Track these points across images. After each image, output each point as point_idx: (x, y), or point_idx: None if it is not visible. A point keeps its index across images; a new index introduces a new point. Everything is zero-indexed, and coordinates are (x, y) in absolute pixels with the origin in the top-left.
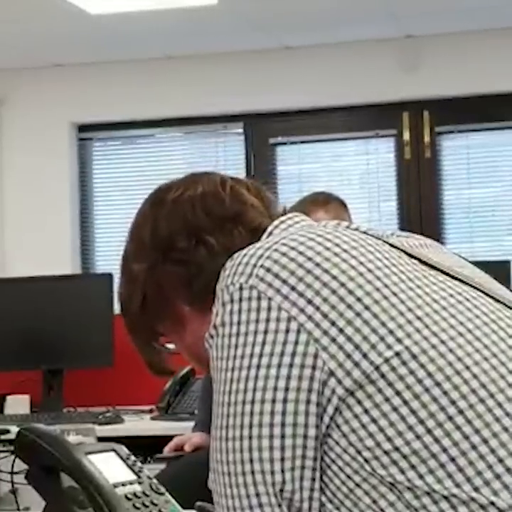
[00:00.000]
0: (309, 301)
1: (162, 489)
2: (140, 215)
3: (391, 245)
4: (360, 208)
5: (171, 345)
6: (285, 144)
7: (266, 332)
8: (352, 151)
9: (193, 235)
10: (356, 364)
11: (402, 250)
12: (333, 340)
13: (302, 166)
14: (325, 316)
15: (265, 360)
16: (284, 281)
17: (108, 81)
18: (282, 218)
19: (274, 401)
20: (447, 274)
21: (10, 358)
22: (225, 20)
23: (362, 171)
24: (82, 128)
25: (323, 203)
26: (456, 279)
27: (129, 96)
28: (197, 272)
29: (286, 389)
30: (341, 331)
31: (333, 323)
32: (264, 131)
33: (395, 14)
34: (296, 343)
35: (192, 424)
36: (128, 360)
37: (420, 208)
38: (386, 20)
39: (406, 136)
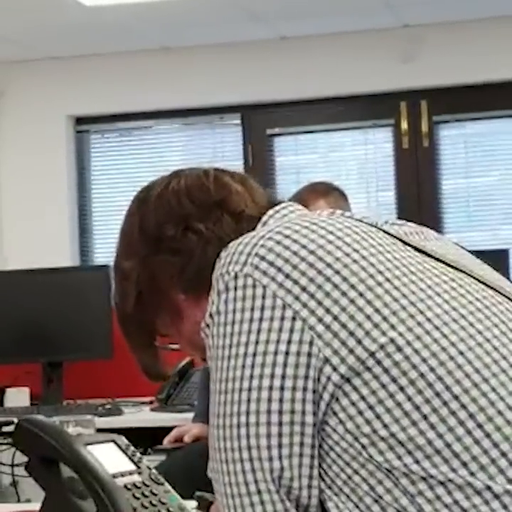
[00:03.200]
0: (304, 289)
1: (162, 479)
2: (127, 215)
3: (385, 232)
4: (358, 198)
5: (174, 346)
6: (282, 134)
7: (261, 320)
8: (350, 141)
9: (180, 223)
10: (351, 351)
11: (396, 237)
12: (328, 327)
13: (300, 157)
14: (319, 303)
15: (261, 347)
16: (279, 269)
17: (105, 73)
18: (277, 208)
19: (271, 388)
20: (441, 262)
21: (9, 350)
22: (221, 11)
23: (360, 161)
24: (80, 120)
25: (323, 193)
26: (450, 266)
27: (126, 88)
28: (188, 259)
29: (283, 376)
30: (336, 318)
31: (327, 311)
32: (261, 122)
33: (392, 4)
34: (292, 330)
35: (191, 415)
36: (127, 352)
37: (418, 197)
38: (383, 9)
39: (404, 125)
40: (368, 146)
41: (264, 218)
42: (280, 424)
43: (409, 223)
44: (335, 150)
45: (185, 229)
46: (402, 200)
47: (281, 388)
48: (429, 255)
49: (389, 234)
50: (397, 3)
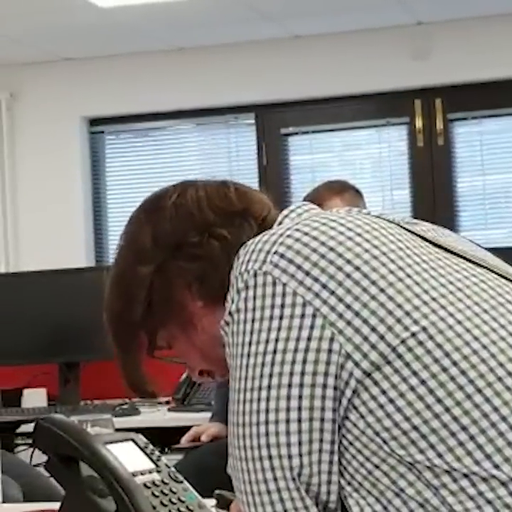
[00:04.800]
0: (324, 286)
1: (180, 477)
2: (132, 223)
3: (404, 229)
4: (373, 196)
5: (176, 359)
6: (297, 133)
7: (281, 318)
8: (364, 140)
9: (203, 230)
10: (373, 346)
11: (414, 233)
12: (349, 323)
13: (314, 156)
14: (340, 300)
15: (281, 345)
16: (299, 267)
17: (118, 74)
18: (292, 207)
19: (290, 385)
20: (461, 257)
21: (26, 351)
22: (235, 10)
23: (374, 159)
24: (94, 121)
25: (338, 191)
26: (469, 261)
27: (140, 89)
28: (210, 265)
29: (302, 373)
30: (357, 314)
31: (348, 307)
32: (275, 121)
33: (406, 1)
34: (312, 327)
35: (209, 414)
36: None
37: (434, 195)
38: (397, 7)
39: (418, 123)
40: (382, 145)
41: (279, 218)
42: (299, 420)
43: (424, 222)
44: (349, 149)
45: (209, 236)
46: (417, 198)
47: (301, 385)
48: (448, 251)
49: (408, 230)
50: (410, 0)
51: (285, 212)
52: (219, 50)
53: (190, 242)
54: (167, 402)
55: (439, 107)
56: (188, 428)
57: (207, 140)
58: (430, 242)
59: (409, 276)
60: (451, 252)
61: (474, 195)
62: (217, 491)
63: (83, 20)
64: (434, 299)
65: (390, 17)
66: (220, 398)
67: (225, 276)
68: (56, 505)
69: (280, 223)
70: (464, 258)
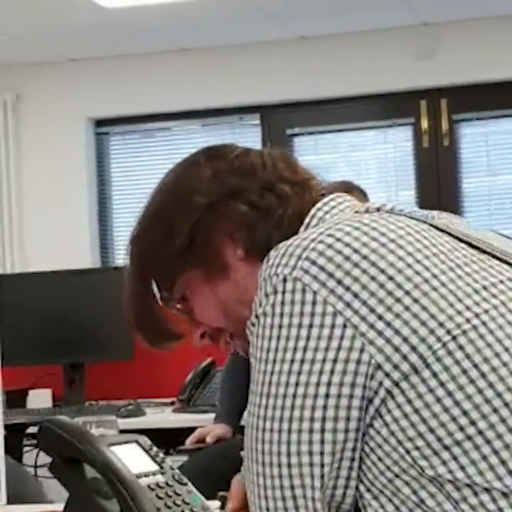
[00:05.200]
0: (356, 295)
1: (185, 479)
2: (191, 162)
3: (437, 228)
4: (378, 197)
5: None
6: (302, 134)
7: (311, 326)
8: (369, 141)
9: (265, 185)
10: (404, 357)
11: (449, 234)
12: (380, 333)
13: (319, 157)
14: (372, 310)
15: (309, 354)
16: (330, 275)
17: (124, 75)
18: (325, 200)
19: (316, 396)
20: (497, 258)
21: (31, 352)
22: (240, 11)
23: (380, 160)
24: (99, 122)
25: (345, 191)
26: (506, 263)
27: (145, 89)
28: (265, 218)
29: (329, 384)
30: (389, 324)
31: (380, 317)
32: (280, 122)
33: (411, 2)
34: (342, 337)
35: (213, 416)
36: (149, 353)
37: (439, 196)
38: (402, 8)
39: (424, 124)
40: (387, 146)
41: (313, 211)
42: (323, 431)
43: (450, 216)
44: (355, 149)
45: (269, 190)
46: (422, 199)
47: (327, 396)
48: (485, 252)
49: (439, 229)
50: (416, 1)
51: (319, 205)
52: (224, 51)
53: (251, 189)
54: (172, 403)
55: (444, 108)
56: (192, 429)
57: (212, 141)
58: (465, 242)
59: (444, 284)
60: (488, 253)
61: (480, 196)
62: (221, 493)
63: (88, 21)
64: (468, 308)
65: (395, 18)
66: (225, 399)
67: (273, 234)
68: (60, 507)
69: (313, 217)
70: (501, 260)
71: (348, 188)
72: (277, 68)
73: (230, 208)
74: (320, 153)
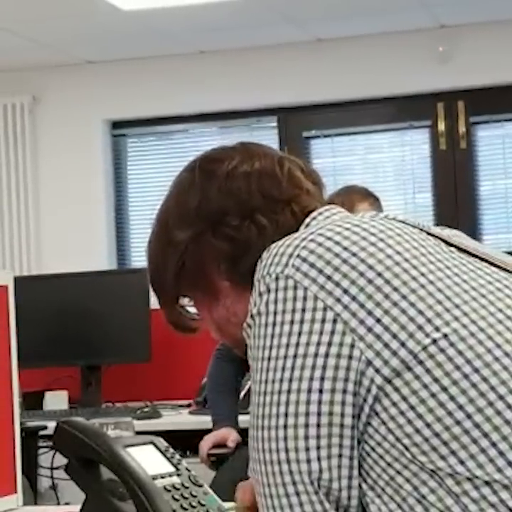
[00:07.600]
0: (345, 291)
1: (201, 481)
2: (186, 180)
3: (428, 233)
4: (395, 199)
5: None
6: (319, 137)
7: (302, 322)
8: (386, 143)
9: (246, 214)
10: (394, 353)
11: (439, 238)
12: (370, 329)
13: (336, 159)
14: (361, 305)
15: (301, 349)
16: (320, 271)
17: (141, 77)
18: (320, 209)
19: (310, 391)
20: (486, 261)
21: (48, 354)
22: (257, 13)
23: (397, 162)
24: (116, 124)
25: (358, 199)
26: (494, 265)
27: (162, 92)
28: (244, 251)
29: (322, 379)
30: (378, 320)
31: (369, 313)
32: (297, 124)
33: (428, 4)
34: (333, 332)
35: None
36: (165, 356)
37: (456, 199)
38: (419, 10)
39: (441, 126)
40: (404, 148)
41: (307, 220)
42: (318, 425)
43: (448, 229)
44: (371, 152)
45: (250, 222)
46: (439, 201)
47: (320, 391)
48: (473, 255)
49: (432, 235)
50: (433, 3)
51: (314, 214)
52: (241, 53)
53: (230, 223)
54: (188, 406)
55: (461, 110)
56: (208, 431)
57: (229, 143)
58: (455, 246)
59: (431, 282)
60: (476, 256)
61: (497, 198)
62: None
63: (105, 24)
64: (457, 306)
65: (413, 20)
66: (225, 402)
67: (256, 264)
68: (76, 509)
69: (307, 225)
70: (488, 262)
71: (362, 194)
72: (294, 71)
73: (211, 241)
74: (337, 156)
